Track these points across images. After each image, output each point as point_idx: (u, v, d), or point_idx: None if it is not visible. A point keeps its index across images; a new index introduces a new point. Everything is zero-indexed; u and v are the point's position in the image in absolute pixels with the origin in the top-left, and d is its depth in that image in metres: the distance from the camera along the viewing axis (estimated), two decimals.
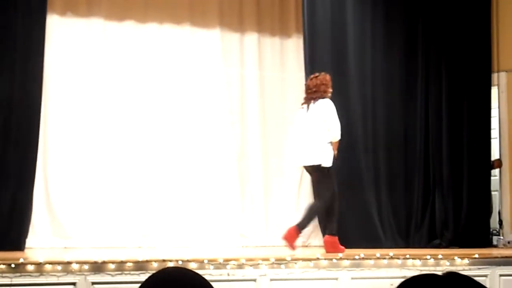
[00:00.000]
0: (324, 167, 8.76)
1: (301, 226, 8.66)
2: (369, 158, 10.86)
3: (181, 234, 10.42)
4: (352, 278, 7.38)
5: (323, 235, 9.23)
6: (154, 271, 2.52)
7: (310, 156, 8.82)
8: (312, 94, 9.05)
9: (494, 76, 11.81)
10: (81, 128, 10.34)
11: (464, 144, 11.21)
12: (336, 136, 8.90)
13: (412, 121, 11.21)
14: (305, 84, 9.41)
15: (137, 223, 10.33)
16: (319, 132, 8.82)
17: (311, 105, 8.97)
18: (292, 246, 8.35)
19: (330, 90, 9.14)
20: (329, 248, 8.59)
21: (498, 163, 11.79)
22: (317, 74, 9.30)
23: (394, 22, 11.26)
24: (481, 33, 11.68)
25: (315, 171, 8.90)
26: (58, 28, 10.24)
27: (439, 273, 2.38)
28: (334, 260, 7.34)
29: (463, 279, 2.39)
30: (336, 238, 8.78)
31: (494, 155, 11.81)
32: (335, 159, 8.89)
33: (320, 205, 8.87)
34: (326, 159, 8.76)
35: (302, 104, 9.15)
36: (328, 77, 9.21)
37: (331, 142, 8.87)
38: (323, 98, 8.99)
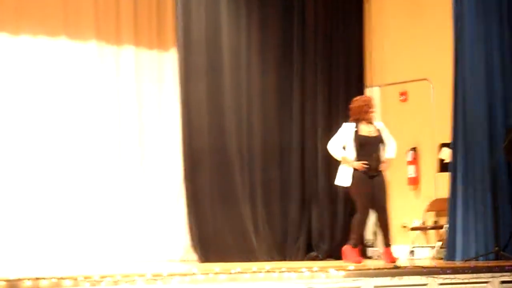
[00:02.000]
0: (343, 187, 9.18)
1: (351, 242, 9.05)
2: (244, 171, 10.91)
3: (61, 249, 10.24)
4: None
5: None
6: None
7: None
8: None
9: (367, 91, 12.10)
10: None
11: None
12: (333, 155, 9.22)
13: (288, 135, 11.33)
14: None
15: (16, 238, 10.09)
16: None
17: None
18: (355, 261, 8.75)
19: (353, 114, 9.23)
20: (345, 257, 9.00)
21: None
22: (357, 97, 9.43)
23: (269, 34, 11.39)
24: (355, 50, 11.94)
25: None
26: None
27: None
28: (211, 275, 7.31)
29: None
30: (355, 249, 9.05)
31: None
32: (356, 173, 9.02)
33: (356, 217, 9.15)
34: (339, 179, 9.14)
35: None
36: (355, 101, 9.30)
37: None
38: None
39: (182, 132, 10.69)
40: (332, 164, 11.30)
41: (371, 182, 9.02)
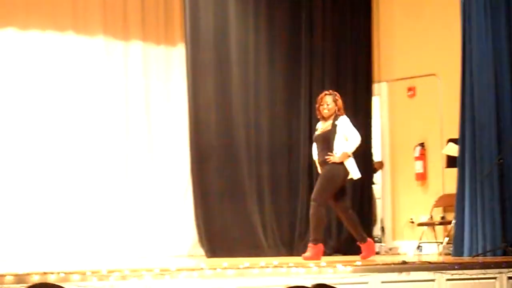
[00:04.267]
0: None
1: (359, 239, 9.00)
2: (252, 166, 10.92)
3: (70, 244, 10.27)
4: (237, 287, 7.38)
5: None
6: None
7: None
8: None
9: (376, 86, 12.11)
10: None
11: None
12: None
13: (296, 130, 11.33)
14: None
15: (23, 234, 10.12)
16: None
17: None
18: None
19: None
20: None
21: (380, 165, 12.09)
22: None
23: (277, 31, 11.38)
24: (363, 45, 11.93)
25: None
26: None
27: (309, 285, 2.41)
28: (219, 270, 7.32)
29: None
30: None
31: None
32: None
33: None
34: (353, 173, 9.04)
35: None
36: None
37: None
38: None
39: (189, 127, 10.70)
40: None
41: None
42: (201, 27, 10.78)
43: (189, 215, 10.80)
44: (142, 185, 10.93)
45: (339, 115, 8.94)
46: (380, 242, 11.87)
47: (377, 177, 12.21)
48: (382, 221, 12.08)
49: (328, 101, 8.97)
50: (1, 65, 10.39)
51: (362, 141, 11.11)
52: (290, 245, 10.96)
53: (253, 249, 10.40)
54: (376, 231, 12.02)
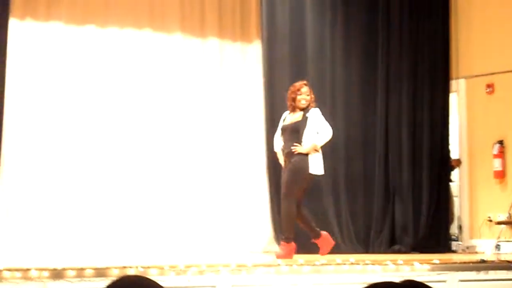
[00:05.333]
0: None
1: (314, 235, 8.92)
2: (327, 163, 10.85)
3: (147, 239, 10.39)
4: (313, 284, 7.38)
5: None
6: (114, 278, 2.51)
7: None
8: None
9: (453, 82, 11.96)
10: (42, 132, 10.27)
11: (424, 150, 11.30)
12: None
13: (372, 127, 11.26)
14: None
15: (100, 229, 10.27)
16: None
17: None
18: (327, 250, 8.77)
19: (288, 103, 9.05)
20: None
21: (457, 162, 11.94)
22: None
23: (353, 26, 11.32)
24: (440, 41, 11.79)
25: None
26: (18, 33, 10.15)
27: (398, 280, 2.39)
28: (295, 266, 7.34)
29: (420, 286, 2.40)
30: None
31: None
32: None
33: None
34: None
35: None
36: (289, 90, 9.08)
37: None
38: None
39: (266, 123, 10.72)
40: (417, 158, 11.25)
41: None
42: (277, 23, 10.80)
43: (265, 212, 10.82)
44: (219, 181, 10.98)
45: (311, 107, 8.77)
46: (458, 240, 11.73)
47: (454, 175, 12.07)
48: (459, 219, 11.94)
49: (307, 92, 8.82)
50: (81, 61, 10.57)
51: (438, 139, 11.05)
52: (365, 242, 10.91)
53: None
54: (454, 229, 11.88)
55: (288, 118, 8.87)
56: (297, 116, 8.75)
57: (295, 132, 8.66)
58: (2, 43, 9.19)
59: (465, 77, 12.11)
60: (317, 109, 8.76)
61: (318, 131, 8.66)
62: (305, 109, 8.74)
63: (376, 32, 11.45)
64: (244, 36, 11.53)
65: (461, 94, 12.13)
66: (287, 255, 8.48)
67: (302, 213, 8.81)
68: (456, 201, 12.16)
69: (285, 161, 8.73)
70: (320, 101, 10.88)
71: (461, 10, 12.14)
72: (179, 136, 10.93)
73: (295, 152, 8.56)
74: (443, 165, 11.49)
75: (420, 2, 11.79)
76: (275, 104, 10.64)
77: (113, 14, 10.77)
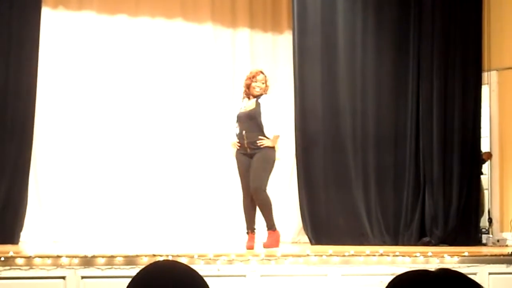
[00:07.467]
0: None
1: (269, 226, 8.80)
2: (358, 155, 10.84)
3: (176, 229, 10.45)
4: (342, 275, 7.39)
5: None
6: (144, 266, 2.52)
7: None
8: None
9: (485, 74, 11.87)
10: (74, 123, 10.36)
11: (455, 142, 11.23)
12: None
13: (403, 119, 11.20)
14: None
15: (130, 219, 10.35)
16: None
17: None
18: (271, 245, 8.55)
19: (244, 91, 9.13)
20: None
21: (488, 155, 11.87)
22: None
23: (385, 19, 11.25)
24: (472, 32, 11.70)
25: None
26: (50, 23, 10.21)
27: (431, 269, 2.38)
28: (324, 257, 7.34)
29: (455, 275, 2.39)
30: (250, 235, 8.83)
31: None
32: (235, 152, 9.02)
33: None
34: None
35: None
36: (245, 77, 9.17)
37: None
38: None
39: (295, 114, 10.69)
40: (448, 150, 11.18)
41: (250, 161, 8.76)
42: (308, 13, 10.76)
43: (294, 202, 10.82)
44: None
45: (263, 94, 8.84)
46: (488, 233, 11.66)
47: (485, 167, 11.99)
48: (489, 212, 11.87)
49: (262, 80, 8.88)
50: (113, 50, 10.63)
51: (470, 131, 10.98)
52: (395, 234, 10.86)
53: (357, 237, 10.35)
54: (484, 222, 11.81)
55: (243, 105, 8.96)
56: (251, 103, 8.85)
57: (252, 120, 8.76)
58: (35, 30, 9.21)
59: (497, 69, 12.01)
60: (268, 95, 8.93)
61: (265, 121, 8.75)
62: (258, 97, 8.85)
63: (407, 23, 11.37)
64: (275, 26, 11.54)
65: (492, 87, 12.04)
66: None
67: (255, 203, 8.85)
68: (486, 194, 12.09)
69: (248, 148, 8.77)
70: (350, 93, 10.89)
71: (494, 2, 12.04)
72: (210, 124, 10.98)
73: (262, 146, 8.70)
74: (474, 158, 11.42)
75: None
76: (305, 94, 10.61)
77: (145, 4, 10.81)
